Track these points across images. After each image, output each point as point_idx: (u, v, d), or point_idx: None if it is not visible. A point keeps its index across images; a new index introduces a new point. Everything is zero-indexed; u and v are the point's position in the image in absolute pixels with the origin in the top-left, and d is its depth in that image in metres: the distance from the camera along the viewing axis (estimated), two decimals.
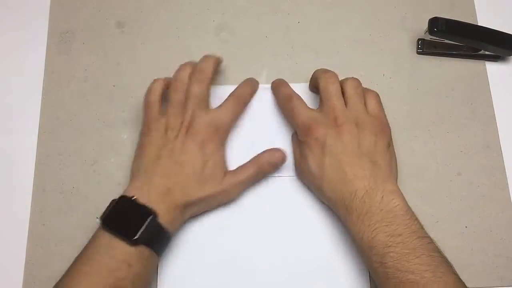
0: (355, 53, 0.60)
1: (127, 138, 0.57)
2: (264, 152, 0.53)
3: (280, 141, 0.56)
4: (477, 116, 0.58)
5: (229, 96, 0.54)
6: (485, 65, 0.60)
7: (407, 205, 0.47)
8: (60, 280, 0.44)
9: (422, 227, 0.47)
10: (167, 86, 0.54)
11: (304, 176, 0.52)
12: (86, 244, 0.46)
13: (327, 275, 0.52)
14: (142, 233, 0.44)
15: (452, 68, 0.60)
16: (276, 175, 0.55)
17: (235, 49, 0.61)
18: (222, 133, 0.52)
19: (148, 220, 0.45)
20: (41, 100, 0.59)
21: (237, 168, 0.52)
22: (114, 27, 0.62)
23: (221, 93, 0.56)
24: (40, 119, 0.58)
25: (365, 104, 0.52)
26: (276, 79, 0.57)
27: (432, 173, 0.56)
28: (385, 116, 0.53)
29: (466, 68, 0.60)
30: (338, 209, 0.49)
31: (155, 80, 0.54)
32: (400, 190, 0.48)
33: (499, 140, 0.57)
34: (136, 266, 0.44)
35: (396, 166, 0.52)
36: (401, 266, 0.43)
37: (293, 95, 0.54)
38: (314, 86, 0.56)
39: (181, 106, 0.52)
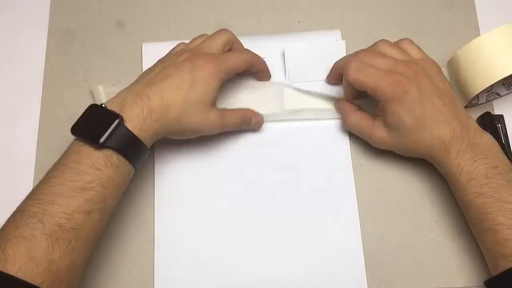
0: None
1: None
2: (251, 110, 0.56)
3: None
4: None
5: (244, 49, 0.56)
6: None
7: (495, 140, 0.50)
8: (36, 186, 0.44)
9: (510, 162, 0.49)
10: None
11: (393, 136, 0.52)
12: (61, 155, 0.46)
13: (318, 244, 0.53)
14: (107, 137, 0.44)
15: None
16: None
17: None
18: (222, 68, 0.51)
19: (114, 124, 0.45)
20: (41, 100, 0.59)
21: (224, 110, 0.54)
22: (114, 26, 0.62)
23: None
24: (40, 118, 0.58)
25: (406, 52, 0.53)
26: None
27: (432, 173, 0.56)
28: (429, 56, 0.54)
29: None
30: (437, 152, 0.50)
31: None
32: None
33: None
34: (104, 171, 0.44)
35: None
36: (499, 196, 0.46)
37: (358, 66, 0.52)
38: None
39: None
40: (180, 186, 0.55)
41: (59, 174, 0.44)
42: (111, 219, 0.54)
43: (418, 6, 0.62)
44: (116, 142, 0.45)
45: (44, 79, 0.60)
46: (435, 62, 0.53)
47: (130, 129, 0.45)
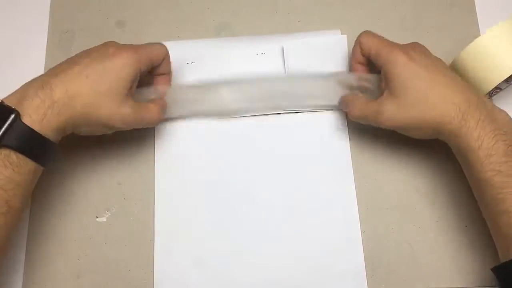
0: None
1: (127, 137, 0.57)
2: (161, 103, 0.52)
3: None
4: None
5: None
6: None
7: None
8: None
9: None
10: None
11: (403, 105, 0.48)
12: None
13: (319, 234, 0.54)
14: (2, 135, 0.41)
15: None
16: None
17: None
18: (138, 57, 0.48)
19: (9, 120, 0.42)
20: None
21: (143, 104, 0.50)
22: (114, 27, 0.62)
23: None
24: None
25: None
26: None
27: (432, 173, 0.56)
28: None
29: None
30: (451, 121, 0.46)
31: None
32: None
33: None
34: (3, 171, 0.42)
35: None
36: None
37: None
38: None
39: None
40: (180, 185, 0.55)
41: None
42: (112, 219, 0.54)
43: (418, 6, 0.62)
44: (13, 140, 0.42)
45: None
46: None
47: (28, 124, 0.42)
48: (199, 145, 0.57)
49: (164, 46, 0.52)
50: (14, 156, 0.42)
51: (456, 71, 0.55)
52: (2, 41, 0.62)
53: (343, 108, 0.55)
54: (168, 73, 0.54)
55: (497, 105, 0.57)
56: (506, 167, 0.44)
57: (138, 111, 0.49)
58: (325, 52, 0.57)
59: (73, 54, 0.59)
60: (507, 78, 0.56)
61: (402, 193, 0.55)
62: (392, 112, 0.49)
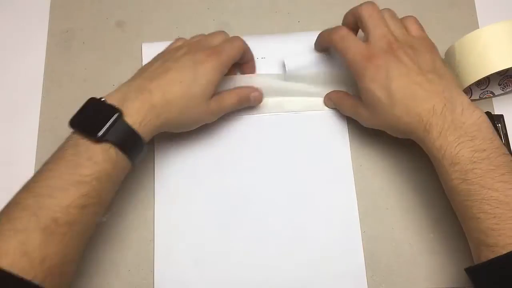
0: None
1: None
2: (247, 87, 0.56)
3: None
4: None
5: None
6: None
7: (487, 118, 0.46)
8: (31, 178, 0.44)
9: (502, 144, 0.45)
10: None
11: (373, 114, 0.51)
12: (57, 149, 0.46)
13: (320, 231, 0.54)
14: (106, 130, 0.44)
15: None
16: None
17: None
18: (222, 61, 0.51)
19: (113, 118, 0.45)
20: (41, 100, 0.59)
21: (221, 94, 0.53)
22: (114, 26, 0.62)
23: None
24: (40, 118, 0.58)
25: (406, 29, 0.52)
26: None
27: (432, 172, 0.56)
28: (428, 36, 0.53)
29: None
30: (415, 131, 0.47)
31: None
32: None
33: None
34: (102, 165, 0.44)
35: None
36: (484, 183, 0.43)
37: (344, 34, 0.52)
38: (351, 21, 0.54)
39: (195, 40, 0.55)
40: (180, 185, 0.55)
41: (56, 167, 0.43)
42: (112, 219, 0.54)
43: (418, 5, 0.62)
44: (115, 136, 0.44)
45: (44, 79, 0.60)
46: (432, 42, 0.52)
47: (129, 123, 0.45)
48: (198, 145, 0.57)
49: (241, 39, 0.54)
50: (113, 152, 0.45)
51: (448, 61, 0.55)
52: (2, 41, 0.62)
53: (329, 106, 0.58)
54: (251, 61, 0.57)
55: (496, 108, 0.58)
56: (471, 174, 0.44)
57: (219, 103, 0.53)
58: (325, 59, 0.57)
59: (73, 54, 0.61)
60: (501, 83, 0.56)
61: (402, 193, 0.55)
62: (366, 117, 0.52)
